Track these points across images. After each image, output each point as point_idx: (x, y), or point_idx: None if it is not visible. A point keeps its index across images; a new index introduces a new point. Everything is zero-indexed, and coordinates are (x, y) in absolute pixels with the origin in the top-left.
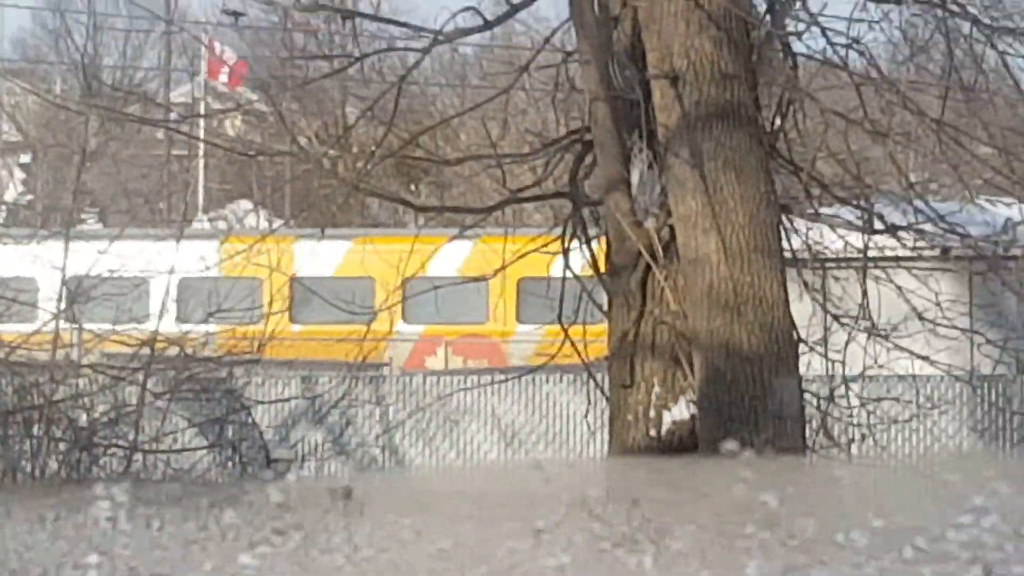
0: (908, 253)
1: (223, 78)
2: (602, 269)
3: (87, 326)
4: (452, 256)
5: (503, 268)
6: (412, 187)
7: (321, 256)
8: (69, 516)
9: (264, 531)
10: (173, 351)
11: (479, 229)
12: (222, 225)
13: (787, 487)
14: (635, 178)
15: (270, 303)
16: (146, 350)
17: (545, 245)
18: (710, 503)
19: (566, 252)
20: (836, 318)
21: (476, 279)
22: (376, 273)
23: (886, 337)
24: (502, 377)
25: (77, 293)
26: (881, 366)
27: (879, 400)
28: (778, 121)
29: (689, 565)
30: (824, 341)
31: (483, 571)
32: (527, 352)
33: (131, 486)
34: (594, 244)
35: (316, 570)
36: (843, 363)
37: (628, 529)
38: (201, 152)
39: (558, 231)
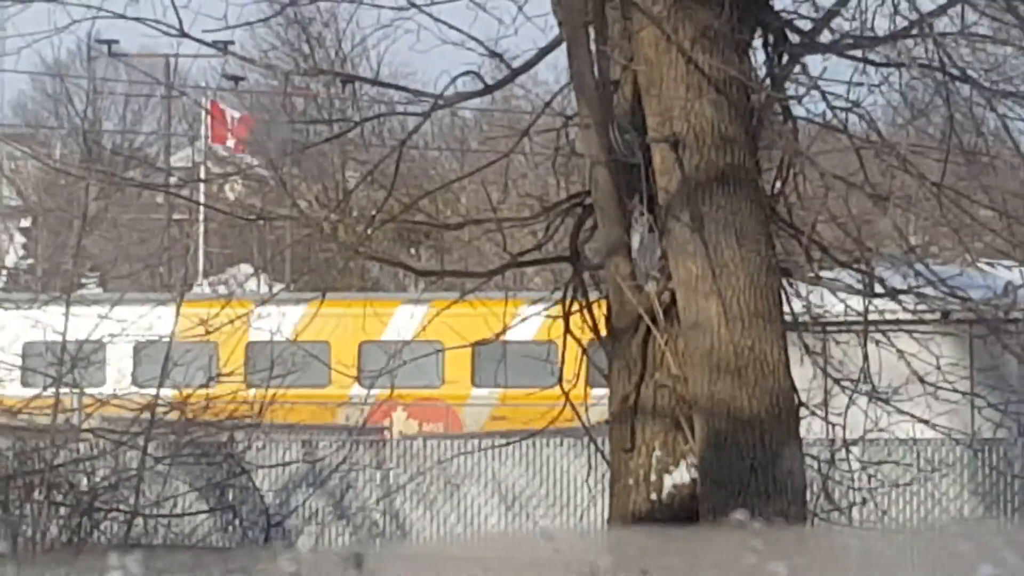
0: (909, 316)
1: (228, 141)
2: (603, 333)
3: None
4: (407, 320)
5: (503, 332)
6: (412, 251)
7: (277, 321)
8: None
9: None
10: (174, 415)
11: (480, 293)
12: (223, 289)
13: (796, 556)
14: (635, 242)
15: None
16: (147, 415)
17: (546, 309)
18: (720, 572)
19: (567, 316)
20: (837, 381)
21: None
22: (331, 337)
23: (887, 400)
24: (503, 441)
25: (78, 358)
26: (882, 429)
27: (880, 464)
28: (778, 185)
29: None
30: (825, 404)
31: None
32: (482, 416)
33: (143, 555)
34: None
35: None
36: (844, 426)
37: None
38: (201, 216)
39: (559, 295)
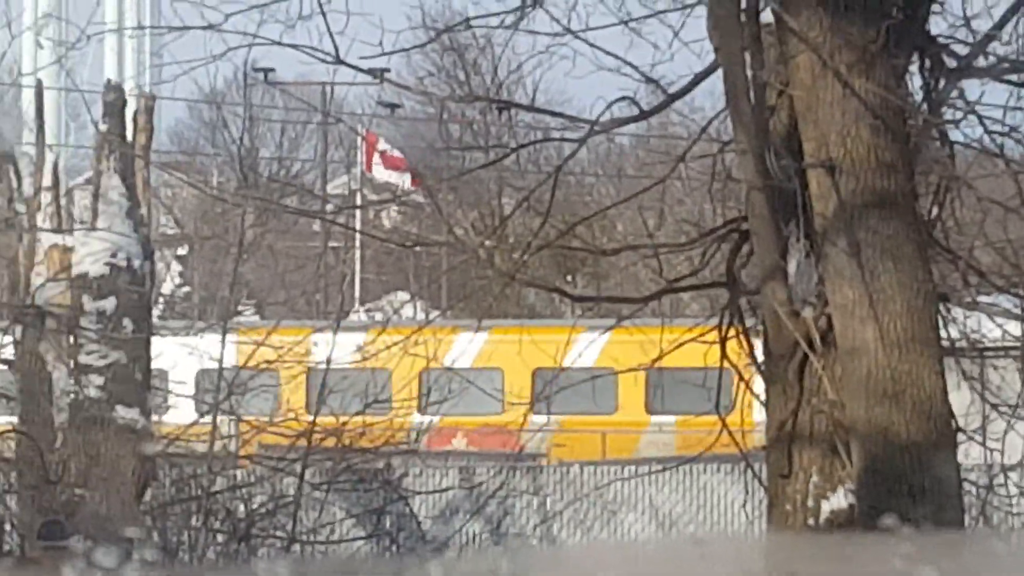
0: None
1: (381, 172)
2: (760, 358)
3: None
4: (468, 347)
5: (659, 359)
6: (568, 277)
7: (338, 347)
8: None
9: None
10: (330, 442)
11: (633, 320)
12: (379, 316)
13: (947, 562)
14: (792, 267)
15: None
16: (303, 441)
17: (703, 335)
18: None
19: (723, 341)
20: (995, 407)
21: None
22: (392, 364)
23: None
24: (659, 467)
25: (235, 385)
26: None
27: None
28: (935, 209)
29: None
30: (983, 430)
31: None
32: (543, 443)
33: (293, 563)
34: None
35: None
36: (1002, 452)
37: None
38: (358, 243)
39: (715, 321)
